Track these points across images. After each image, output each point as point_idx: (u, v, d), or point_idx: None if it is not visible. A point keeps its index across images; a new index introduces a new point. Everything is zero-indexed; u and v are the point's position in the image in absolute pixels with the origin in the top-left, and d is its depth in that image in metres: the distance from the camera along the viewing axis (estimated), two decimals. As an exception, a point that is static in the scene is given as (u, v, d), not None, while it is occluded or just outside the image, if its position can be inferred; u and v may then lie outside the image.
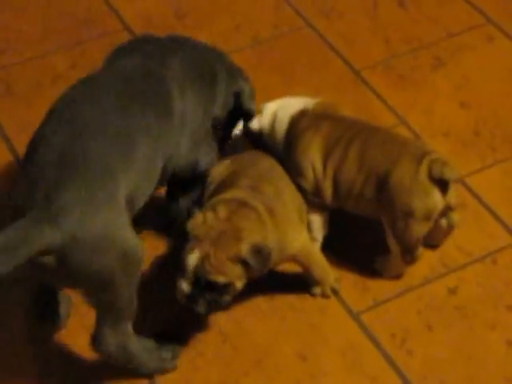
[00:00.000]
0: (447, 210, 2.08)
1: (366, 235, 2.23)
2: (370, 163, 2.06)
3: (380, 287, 2.09)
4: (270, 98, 2.35)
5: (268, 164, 2.15)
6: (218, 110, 2.14)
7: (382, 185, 2.02)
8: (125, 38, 2.66)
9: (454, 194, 2.06)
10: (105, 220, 1.61)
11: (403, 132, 2.47)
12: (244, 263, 1.82)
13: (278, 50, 2.77)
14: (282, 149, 2.19)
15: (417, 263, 2.10)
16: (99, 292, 1.71)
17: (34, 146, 1.72)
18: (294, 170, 2.14)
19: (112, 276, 1.65)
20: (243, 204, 1.92)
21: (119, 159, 1.74)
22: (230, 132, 2.31)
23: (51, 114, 1.81)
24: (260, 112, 2.27)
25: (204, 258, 1.79)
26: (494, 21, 2.93)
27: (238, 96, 2.20)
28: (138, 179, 1.81)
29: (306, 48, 2.75)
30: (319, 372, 1.98)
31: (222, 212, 1.89)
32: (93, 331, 1.81)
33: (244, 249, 1.80)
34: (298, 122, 2.16)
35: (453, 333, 2.05)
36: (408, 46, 2.85)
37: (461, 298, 2.10)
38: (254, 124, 2.26)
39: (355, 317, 2.01)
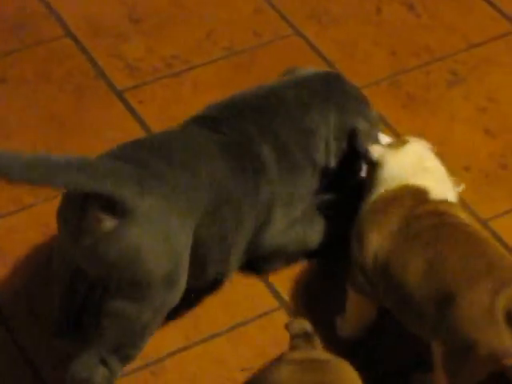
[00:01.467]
0: None
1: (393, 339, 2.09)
2: (440, 272, 1.92)
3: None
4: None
5: None
6: (322, 159, 2.17)
7: (446, 302, 1.89)
8: (66, 45, 2.57)
9: None
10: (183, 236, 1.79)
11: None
12: None
13: (258, 63, 2.58)
14: (367, 205, 2.08)
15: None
16: (126, 296, 1.77)
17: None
18: (357, 239, 2.03)
19: (149, 284, 1.72)
20: None
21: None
22: (350, 178, 2.26)
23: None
24: (401, 143, 2.16)
25: None
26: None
27: (352, 136, 2.20)
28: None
29: (293, 60, 2.53)
30: None
31: None
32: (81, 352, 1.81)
33: None
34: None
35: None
36: (419, 58, 2.69)
37: None
38: (376, 151, 2.13)
39: None
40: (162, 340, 2.05)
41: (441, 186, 2.09)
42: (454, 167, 2.31)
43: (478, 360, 1.84)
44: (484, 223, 2.29)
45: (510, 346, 1.80)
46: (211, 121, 2.14)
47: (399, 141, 2.21)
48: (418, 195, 2.04)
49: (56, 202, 1.99)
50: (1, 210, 2.47)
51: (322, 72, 2.33)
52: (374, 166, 2.13)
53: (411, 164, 2.10)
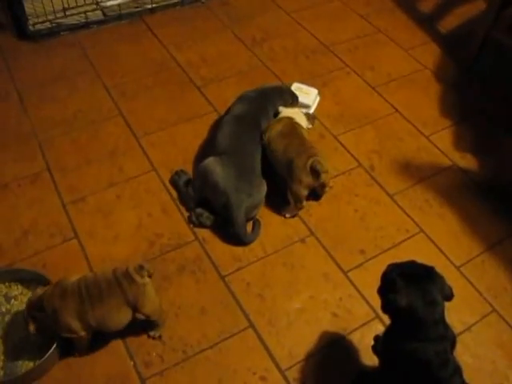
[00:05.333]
0: (322, 185, 2.62)
1: (280, 198, 2.70)
2: (288, 150, 2.60)
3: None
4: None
5: None
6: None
7: (291, 163, 2.53)
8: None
9: (327, 178, 2.58)
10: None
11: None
12: None
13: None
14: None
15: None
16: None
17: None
18: (264, 132, 2.71)
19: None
20: None
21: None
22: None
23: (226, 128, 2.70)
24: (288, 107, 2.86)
25: None
26: (350, 66, 3.55)
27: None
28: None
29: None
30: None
31: None
32: None
33: None
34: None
35: (329, 206, 2.73)
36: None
37: (334, 190, 2.79)
38: (280, 108, 2.86)
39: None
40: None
41: (298, 118, 2.80)
42: (328, 115, 3.16)
43: (302, 187, 2.54)
44: (335, 137, 3.07)
45: (311, 181, 2.52)
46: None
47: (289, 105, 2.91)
48: (289, 120, 2.74)
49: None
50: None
51: (277, 85, 3.04)
52: (278, 113, 2.84)
53: (288, 112, 2.82)
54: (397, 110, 3.22)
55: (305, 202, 2.59)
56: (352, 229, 2.62)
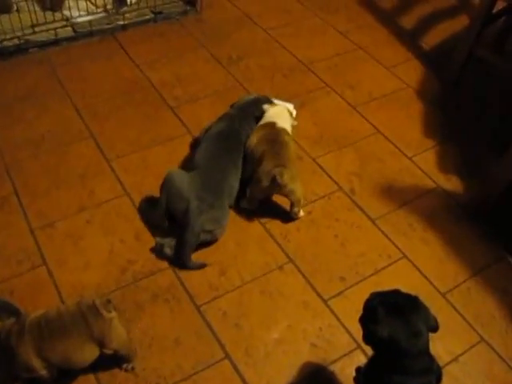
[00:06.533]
0: (292, 205, 2.66)
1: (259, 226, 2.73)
2: (259, 153, 2.65)
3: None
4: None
5: None
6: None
7: (258, 165, 2.61)
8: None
9: (294, 196, 2.63)
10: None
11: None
12: None
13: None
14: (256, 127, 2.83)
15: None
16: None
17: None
18: (247, 140, 2.77)
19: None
20: None
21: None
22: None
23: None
24: (273, 105, 2.89)
25: None
26: (329, 85, 3.56)
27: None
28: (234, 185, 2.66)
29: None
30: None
31: None
32: None
33: None
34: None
35: (308, 231, 2.72)
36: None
37: (313, 215, 2.79)
38: (265, 107, 2.88)
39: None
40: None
41: (282, 122, 2.80)
42: (303, 137, 3.11)
43: (259, 188, 2.61)
44: (314, 160, 3.06)
45: (266, 187, 2.58)
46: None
47: (273, 104, 2.92)
48: (271, 124, 2.77)
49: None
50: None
51: (253, 97, 2.99)
52: (263, 113, 2.86)
53: (273, 113, 2.85)
54: (378, 131, 3.22)
55: (255, 206, 2.69)
56: (332, 255, 2.60)
